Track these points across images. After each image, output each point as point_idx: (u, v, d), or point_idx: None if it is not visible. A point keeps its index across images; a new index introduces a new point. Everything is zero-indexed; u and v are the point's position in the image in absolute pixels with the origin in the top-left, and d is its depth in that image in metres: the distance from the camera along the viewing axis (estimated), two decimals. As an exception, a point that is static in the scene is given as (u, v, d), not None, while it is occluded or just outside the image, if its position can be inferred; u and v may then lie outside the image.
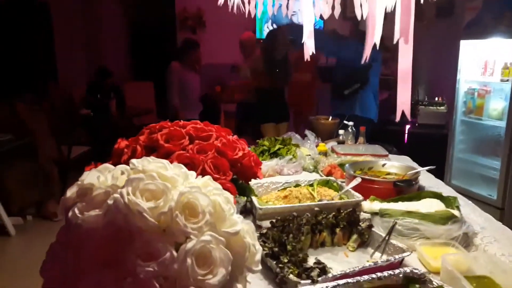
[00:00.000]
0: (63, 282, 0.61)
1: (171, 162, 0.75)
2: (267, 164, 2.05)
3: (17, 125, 3.82)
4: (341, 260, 1.21)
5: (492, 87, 3.56)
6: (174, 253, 0.59)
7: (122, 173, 0.69)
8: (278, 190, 1.66)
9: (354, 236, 1.27)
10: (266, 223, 1.29)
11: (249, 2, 1.70)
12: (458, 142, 3.91)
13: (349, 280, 0.95)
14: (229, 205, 0.71)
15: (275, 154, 2.26)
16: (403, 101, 0.99)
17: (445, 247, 1.21)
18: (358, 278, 0.95)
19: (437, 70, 4.92)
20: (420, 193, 1.57)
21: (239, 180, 1.12)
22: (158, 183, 0.65)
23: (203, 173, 0.95)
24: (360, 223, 1.29)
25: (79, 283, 0.59)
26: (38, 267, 0.66)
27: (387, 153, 2.36)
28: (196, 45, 4.49)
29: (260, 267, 0.70)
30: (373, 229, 1.28)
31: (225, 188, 0.76)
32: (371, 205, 1.47)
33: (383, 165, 1.90)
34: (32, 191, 3.88)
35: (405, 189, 1.60)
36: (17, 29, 5.06)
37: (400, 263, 1.12)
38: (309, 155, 2.25)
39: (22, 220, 3.88)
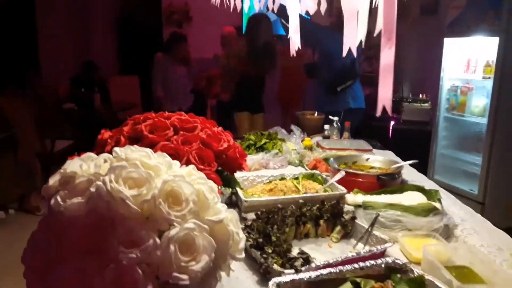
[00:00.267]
0: (44, 270, 0.61)
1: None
2: (253, 158, 2.05)
3: (-1, 118, 3.75)
4: (324, 250, 1.22)
5: (474, 85, 3.63)
6: (157, 240, 0.59)
7: (105, 161, 0.69)
8: (264, 184, 1.66)
9: (338, 228, 1.29)
10: (252, 216, 1.30)
11: (234, -4, 1.70)
12: (441, 138, 3.98)
13: (332, 269, 0.96)
14: (213, 194, 0.71)
15: (261, 149, 2.27)
16: (384, 96, 0.99)
17: (426, 239, 1.23)
18: (341, 267, 0.97)
19: (422, 68, 4.98)
20: (402, 186, 1.59)
21: (224, 172, 1.12)
22: (141, 171, 0.64)
23: (187, 164, 0.94)
24: (343, 215, 1.30)
25: (61, 271, 0.59)
26: (20, 260, 0.65)
27: (371, 148, 2.38)
28: (183, 39, 4.47)
29: (243, 255, 0.70)
30: (356, 221, 1.30)
31: (209, 179, 0.76)
32: (354, 197, 1.49)
33: (367, 159, 1.92)
34: (14, 185, 3.82)
35: (388, 182, 1.63)
36: (-2, 20, 4.96)
37: (382, 254, 1.13)
38: (295, 149, 2.27)
39: (4, 214, 3.81)
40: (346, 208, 1.39)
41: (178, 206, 0.63)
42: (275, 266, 0.99)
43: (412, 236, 1.25)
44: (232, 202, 1.54)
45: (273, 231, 1.14)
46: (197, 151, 0.98)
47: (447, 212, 1.39)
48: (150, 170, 0.66)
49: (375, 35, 1.02)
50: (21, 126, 3.85)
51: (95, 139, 1.06)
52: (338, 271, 0.96)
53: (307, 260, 1.03)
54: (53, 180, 0.68)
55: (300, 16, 1.48)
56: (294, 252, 1.09)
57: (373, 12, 1.05)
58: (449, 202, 1.59)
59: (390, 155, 2.35)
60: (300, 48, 1.89)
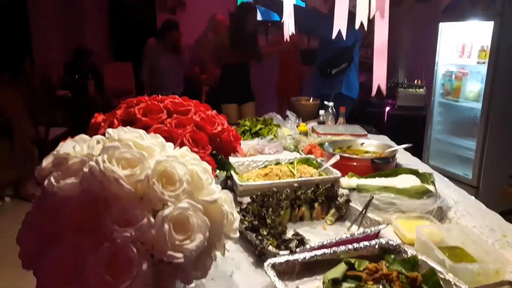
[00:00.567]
0: (39, 250, 0.61)
1: (149, 134, 0.74)
2: (248, 144, 2.05)
3: (-9, 104, 3.71)
4: (319, 233, 1.23)
5: (469, 70, 3.62)
6: (152, 219, 0.60)
7: (98, 142, 0.69)
8: (259, 168, 1.67)
9: (332, 210, 1.30)
10: (247, 200, 1.30)
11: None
12: (436, 123, 3.99)
13: (326, 251, 0.97)
14: (207, 174, 0.71)
15: (256, 134, 2.27)
16: (379, 76, 0.99)
17: (420, 220, 1.25)
18: (335, 248, 0.98)
19: (417, 53, 4.96)
20: (397, 170, 1.60)
21: (218, 155, 1.12)
22: (134, 151, 0.64)
23: (181, 146, 0.95)
24: (338, 198, 1.31)
25: (55, 251, 0.59)
26: (16, 248, 0.65)
27: (366, 133, 2.39)
28: (176, 27, 4.42)
29: (238, 234, 0.71)
30: (350, 203, 1.30)
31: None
32: (349, 181, 1.50)
33: (362, 143, 1.93)
34: (9, 172, 3.80)
35: (382, 166, 1.63)
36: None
37: (376, 235, 1.15)
38: (290, 135, 2.27)
39: (0, 202, 3.81)
40: (341, 191, 1.40)
41: (172, 186, 0.64)
42: (270, 248, 1.00)
43: (406, 218, 1.26)
44: (228, 187, 1.54)
45: (268, 214, 1.14)
46: (191, 134, 0.98)
47: (441, 195, 1.40)
48: (143, 151, 0.66)
49: (370, 17, 1.02)
50: (14, 112, 3.82)
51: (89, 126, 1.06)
52: (332, 252, 0.97)
53: (301, 241, 1.04)
54: (47, 161, 0.68)
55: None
56: (289, 234, 1.10)
57: None
58: (442, 185, 1.61)
59: (385, 140, 2.35)
60: (294, 33, 1.88)
